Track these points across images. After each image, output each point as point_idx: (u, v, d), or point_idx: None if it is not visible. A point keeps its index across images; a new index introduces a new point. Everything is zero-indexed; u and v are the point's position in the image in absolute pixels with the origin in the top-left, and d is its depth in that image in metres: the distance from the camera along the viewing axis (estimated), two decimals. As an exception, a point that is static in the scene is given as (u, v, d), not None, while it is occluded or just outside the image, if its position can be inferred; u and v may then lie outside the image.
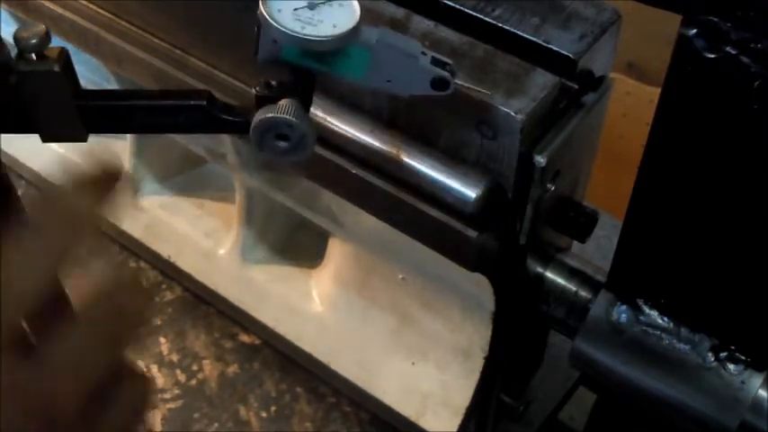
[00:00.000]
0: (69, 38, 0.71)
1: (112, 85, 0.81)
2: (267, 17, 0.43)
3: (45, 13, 0.72)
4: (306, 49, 0.43)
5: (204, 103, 0.42)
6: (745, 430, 0.51)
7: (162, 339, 0.86)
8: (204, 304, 0.88)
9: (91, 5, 0.70)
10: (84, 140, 0.42)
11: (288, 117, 0.42)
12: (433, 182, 0.54)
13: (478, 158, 0.53)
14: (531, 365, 0.73)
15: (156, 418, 0.80)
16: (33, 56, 0.39)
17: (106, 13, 0.69)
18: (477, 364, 0.68)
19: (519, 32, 0.53)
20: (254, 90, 0.43)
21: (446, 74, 0.47)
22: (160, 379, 0.83)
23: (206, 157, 0.82)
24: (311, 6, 0.43)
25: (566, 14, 0.54)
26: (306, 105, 0.44)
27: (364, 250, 0.72)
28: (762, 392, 0.51)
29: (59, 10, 0.71)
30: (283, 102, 0.42)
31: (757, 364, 0.51)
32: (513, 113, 0.49)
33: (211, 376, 0.83)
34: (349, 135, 0.56)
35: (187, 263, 0.86)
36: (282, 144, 0.43)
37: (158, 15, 0.67)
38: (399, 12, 0.55)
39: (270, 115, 0.42)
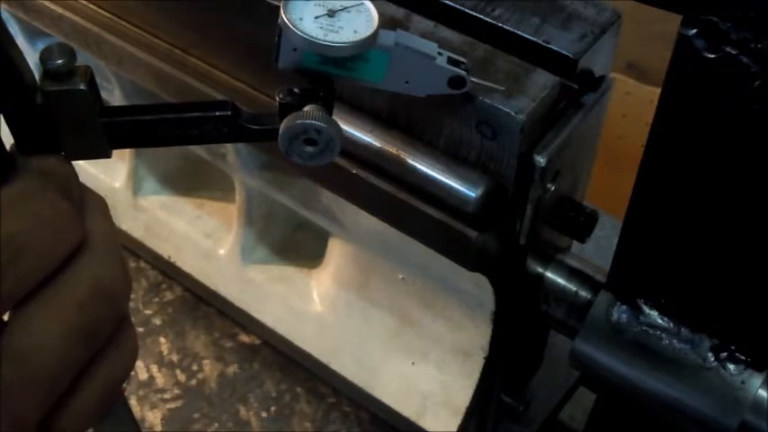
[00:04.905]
0: (69, 38, 0.71)
1: (113, 85, 0.81)
2: (290, 25, 0.43)
3: (45, 13, 0.72)
4: (328, 56, 0.44)
5: (230, 113, 0.42)
6: (745, 430, 0.51)
7: (162, 339, 0.86)
8: (204, 304, 0.88)
9: (91, 5, 0.70)
10: (108, 157, 0.42)
11: (316, 122, 0.42)
12: (433, 182, 0.54)
13: (478, 158, 0.53)
14: (531, 365, 0.73)
15: (155, 417, 0.81)
16: (58, 75, 0.39)
17: (106, 13, 0.70)
18: (477, 364, 0.68)
19: (519, 32, 0.53)
20: (277, 97, 0.44)
21: (463, 72, 0.48)
22: (160, 379, 0.83)
23: (206, 157, 0.82)
24: (331, 14, 0.44)
25: (566, 14, 0.54)
26: (329, 110, 0.44)
27: (364, 250, 0.72)
28: (762, 392, 0.51)
29: (59, 10, 0.71)
30: (309, 108, 0.43)
31: (757, 364, 0.51)
32: (513, 113, 0.49)
33: (211, 376, 0.83)
34: (349, 135, 0.56)
35: (187, 263, 0.86)
36: (310, 149, 0.43)
37: (159, 15, 0.67)
38: (399, 12, 0.55)
39: (299, 122, 0.42)
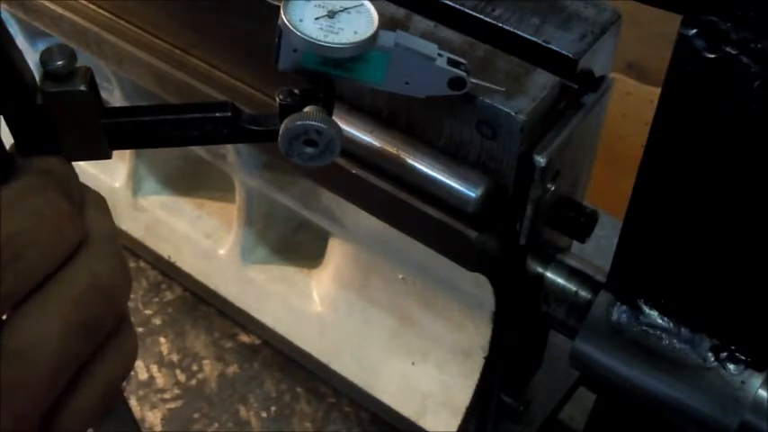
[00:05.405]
0: (69, 38, 0.71)
1: (113, 85, 0.81)
2: (290, 27, 0.43)
3: (45, 13, 0.72)
4: (328, 57, 0.44)
5: (230, 114, 0.42)
6: (745, 430, 0.51)
7: (162, 339, 0.86)
8: (204, 304, 0.88)
9: (91, 5, 0.70)
10: (109, 158, 0.43)
11: (316, 123, 0.43)
12: (433, 182, 0.54)
13: (478, 158, 0.53)
14: (531, 365, 0.73)
15: (155, 417, 0.81)
16: (59, 76, 0.39)
17: (106, 13, 0.70)
18: (477, 364, 0.68)
19: (519, 32, 0.53)
20: (277, 98, 0.44)
21: (463, 73, 0.48)
22: (160, 379, 0.83)
23: (206, 158, 0.82)
24: (331, 15, 0.44)
25: (566, 14, 0.54)
26: (329, 111, 0.44)
27: (364, 250, 0.72)
28: (762, 392, 0.51)
29: (59, 10, 0.71)
30: (309, 108, 0.43)
31: (757, 364, 0.51)
32: (513, 113, 0.49)
33: (211, 376, 0.83)
34: (349, 135, 0.56)
35: (187, 263, 0.86)
36: (310, 150, 0.44)
37: (159, 15, 0.67)
38: (399, 12, 0.55)
39: (299, 123, 0.42)
